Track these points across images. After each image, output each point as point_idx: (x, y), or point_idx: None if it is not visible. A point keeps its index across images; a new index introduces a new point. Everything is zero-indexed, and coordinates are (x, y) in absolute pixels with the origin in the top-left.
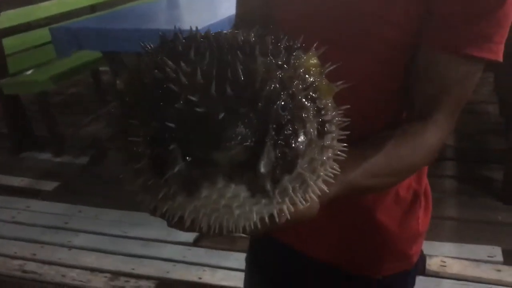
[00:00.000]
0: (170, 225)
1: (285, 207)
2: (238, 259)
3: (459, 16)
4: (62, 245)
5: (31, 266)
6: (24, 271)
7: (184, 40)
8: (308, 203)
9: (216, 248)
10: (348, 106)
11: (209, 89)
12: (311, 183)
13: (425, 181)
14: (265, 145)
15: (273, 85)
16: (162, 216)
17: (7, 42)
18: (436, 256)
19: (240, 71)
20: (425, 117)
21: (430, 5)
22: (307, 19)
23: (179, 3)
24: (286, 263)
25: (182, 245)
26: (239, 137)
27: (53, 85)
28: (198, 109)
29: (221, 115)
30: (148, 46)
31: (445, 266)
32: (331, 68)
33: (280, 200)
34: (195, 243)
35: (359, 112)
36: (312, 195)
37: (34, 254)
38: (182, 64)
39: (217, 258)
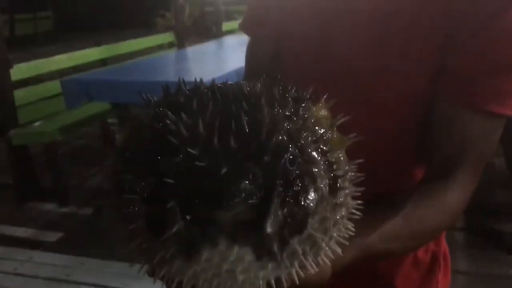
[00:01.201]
0: None
1: (293, 272)
2: None
3: (478, 70)
4: None
5: None
6: None
7: (187, 92)
8: (319, 268)
9: None
10: (362, 160)
11: (211, 141)
12: (323, 245)
13: (444, 243)
14: (272, 203)
15: (280, 137)
16: (161, 279)
17: (18, 93)
18: None
19: (244, 122)
20: (445, 176)
21: (446, 59)
22: (316, 73)
23: (187, 56)
24: None
25: None
26: (243, 194)
27: (61, 136)
28: (198, 163)
29: (224, 170)
30: (150, 98)
31: None
32: (342, 120)
33: (288, 265)
34: None
35: (372, 169)
36: (324, 258)
37: None
38: (183, 115)
39: None
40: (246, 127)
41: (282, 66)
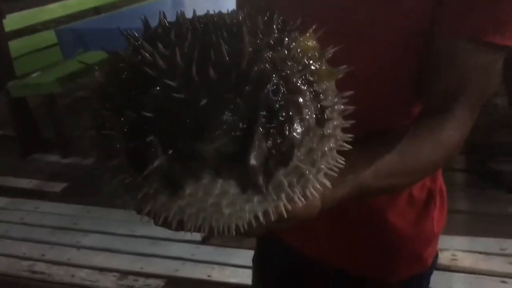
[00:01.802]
0: (157, 224)
1: (281, 204)
2: (247, 256)
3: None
4: (71, 246)
5: (40, 266)
6: (33, 272)
7: (167, 24)
8: (307, 201)
9: (224, 246)
10: (352, 92)
11: (190, 72)
12: (311, 177)
13: (440, 179)
14: (255, 134)
15: (262, 66)
16: (147, 214)
17: (13, 45)
18: (447, 250)
19: (224, 51)
20: (443, 111)
21: None
22: (309, 5)
23: (184, 1)
24: (293, 265)
25: (190, 243)
26: (225, 126)
27: (59, 87)
28: (177, 95)
29: (204, 102)
30: (129, 33)
31: (456, 260)
32: (332, 51)
33: (275, 197)
34: (204, 241)
35: (366, 105)
36: (312, 191)
37: (43, 255)
38: (160, 46)
39: (225, 256)
40: (226, 57)
41: None
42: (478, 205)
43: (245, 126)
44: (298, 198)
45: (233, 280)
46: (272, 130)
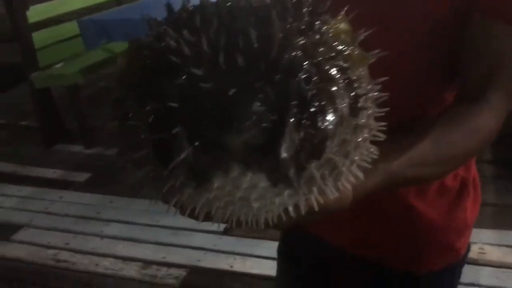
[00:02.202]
0: (184, 215)
1: (312, 198)
2: (269, 247)
3: None
4: (95, 235)
5: (64, 255)
6: (58, 260)
7: (191, 8)
8: (339, 193)
9: (247, 237)
10: (387, 78)
11: (217, 60)
12: (344, 169)
13: (474, 169)
14: (287, 125)
15: (293, 53)
16: (174, 206)
17: (37, 36)
18: (475, 243)
19: (253, 38)
20: (478, 98)
21: None
22: None
23: None
24: (319, 256)
25: (212, 233)
26: (255, 117)
27: (82, 77)
28: (203, 85)
29: (232, 91)
30: (152, 19)
31: (484, 253)
32: (365, 34)
33: (306, 191)
34: (226, 232)
35: (397, 93)
36: (345, 183)
37: (67, 244)
38: (185, 32)
39: (248, 247)
40: (255, 43)
41: None
42: (506, 197)
43: (275, 116)
44: (330, 191)
45: (255, 271)
46: (303, 121)
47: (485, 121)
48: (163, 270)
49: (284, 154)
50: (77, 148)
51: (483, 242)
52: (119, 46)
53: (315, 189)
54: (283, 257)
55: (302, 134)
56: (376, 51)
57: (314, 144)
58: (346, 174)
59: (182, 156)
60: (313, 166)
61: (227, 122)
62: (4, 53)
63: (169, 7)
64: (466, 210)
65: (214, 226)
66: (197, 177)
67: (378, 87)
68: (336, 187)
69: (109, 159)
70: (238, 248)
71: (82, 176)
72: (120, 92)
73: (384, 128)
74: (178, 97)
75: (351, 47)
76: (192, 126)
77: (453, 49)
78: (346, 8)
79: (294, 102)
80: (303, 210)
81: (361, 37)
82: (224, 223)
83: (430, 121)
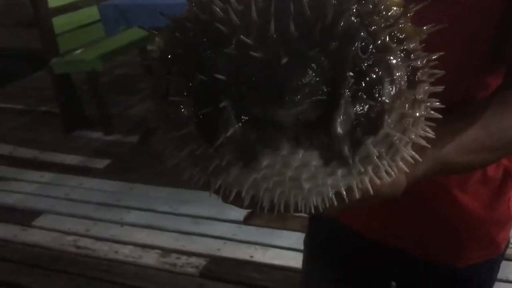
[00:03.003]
0: (227, 202)
1: (367, 179)
2: (290, 237)
3: None
4: (115, 222)
5: (84, 242)
6: (78, 247)
7: None
8: (394, 178)
9: (267, 227)
10: (442, 53)
11: (267, 28)
12: (401, 147)
13: None
14: (342, 98)
15: (349, 19)
16: (217, 191)
17: (57, 21)
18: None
19: (305, 4)
20: None
21: None
22: None
23: None
24: (348, 247)
25: (232, 223)
26: (308, 89)
27: (101, 64)
28: (254, 54)
29: (284, 60)
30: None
31: None
32: (416, 8)
33: (362, 170)
34: (246, 221)
35: (447, 73)
36: (401, 164)
37: (88, 230)
38: (232, 0)
39: (268, 237)
40: (308, 11)
41: None
42: None
43: (329, 88)
44: (386, 171)
45: (276, 261)
46: (360, 93)
47: None
48: (183, 259)
49: (338, 129)
50: (96, 134)
51: None
52: (139, 33)
53: (370, 168)
54: (310, 247)
55: (358, 107)
56: (430, 25)
57: (371, 118)
58: (403, 154)
59: (230, 132)
60: (369, 142)
61: (278, 95)
62: (25, 38)
63: None
64: (509, 201)
65: (233, 215)
66: (245, 156)
67: (434, 62)
68: (392, 167)
69: (129, 146)
70: (258, 238)
71: (102, 163)
72: (160, 70)
73: (441, 106)
74: (226, 69)
75: (404, 19)
76: (240, 100)
77: (501, 30)
78: None
79: (350, 72)
80: (357, 193)
81: (413, 11)
82: (270, 208)
83: (479, 107)
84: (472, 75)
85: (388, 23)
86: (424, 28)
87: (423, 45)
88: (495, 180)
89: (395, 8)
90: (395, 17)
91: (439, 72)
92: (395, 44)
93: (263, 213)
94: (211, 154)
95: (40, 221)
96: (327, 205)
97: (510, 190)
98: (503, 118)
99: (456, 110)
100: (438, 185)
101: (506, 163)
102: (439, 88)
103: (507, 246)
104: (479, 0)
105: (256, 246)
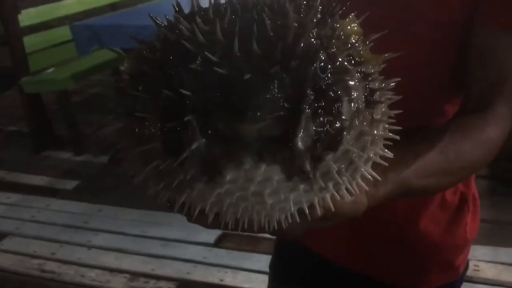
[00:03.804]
0: (191, 220)
1: (328, 196)
2: (261, 260)
3: None
4: (82, 245)
5: (50, 265)
6: (43, 271)
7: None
8: (355, 197)
9: (238, 249)
10: (399, 79)
11: (231, 46)
12: (360, 165)
13: (473, 184)
14: (302, 114)
15: (309, 40)
16: (181, 210)
17: (28, 40)
18: (469, 260)
19: (268, 25)
20: (484, 109)
21: None
22: None
23: None
24: (315, 272)
25: (203, 245)
26: (269, 105)
27: (73, 83)
28: (218, 70)
29: (247, 77)
30: (158, 20)
31: (478, 270)
32: (375, 37)
33: (323, 185)
34: (217, 244)
35: (404, 99)
36: (361, 182)
37: (53, 254)
38: (199, 20)
39: (239, 260)
40: (271, 31)
41: None
42: (501, 214)
43: (291, 105)
44: (347, 189)
45: (246, 285)
46: (319, 110)
47: (492, 132)
48: (152, 283)
49: (299, 145)
50: (66, 155)
51: (478, 259)
52: (111, 54)
53: (331, 185)
54: (275, 272)
55: (318, 123)
56: (389, 53)
57: (331, 135)
58: (362, 172)
59: (194, 146)
60: (329, 158)
61: (241, 110)
62: None
63: (178, 5)
64: (466, 226)
65: (204, 238)
66: (209, 170)
67: (392, 85)
68: (352, 185)
69: (99, 167)
70: (229, 261)
71: (71, 184)
72: (129, 87)
73: (399, 128)
74: (191, 84)
75: (363, 47)
76: (204, 115)
77: (458, 59)
78: (355, 12)
79: (311, 90)
80: (318, 210)
81: (372, 38)
82: (234, 226)
83: (438, 131)
84: (430, 102)
85: (346, 47)
86: (382, 55)
87: (381, 68)
88: (453, 205)
89: (353, 36)
90: (352, 42)
91: (396, 97)
92: (353, 66)
93: (227, 230)
94: (176, 169)
95: (5, 244)
96: (290, 221)
97: (467, 215)
98: (460, 142)
99: (416, 134)
100: (398, 209)
101: (463, 188)
102: (397, 111)
103: (466, 269)
104: (435, 31)
105: (227, 270)
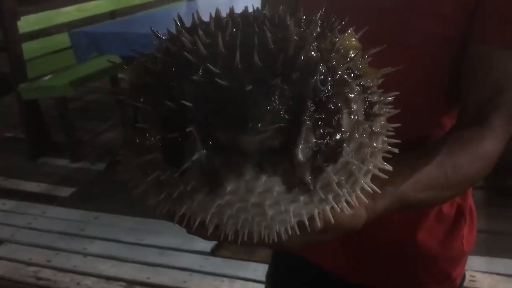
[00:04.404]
0: (190, 232)
1: (328, 209)
2: (257, 269)
3: None
4: (77, 252)
5: (45, 273)
6: (38, 278)
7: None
8: (354, 210)
9: (234, 258)
10: (397, 93)
11: (233, 58)
12: (360, 177)
13: (470, 197)
14: (303, 125)
15: (310, 53)
16: (181, 221)
17: (27, 47)
18: (466, 270)
19: (269, 38)
20: (480, 123)
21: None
22: (340, 10)
23: (198, 7)
24: (312, 283)
25: (199, 254)
26: (270, 116)
27: (71, 90)
28: (219, 81)
29: (248, 88)
30: (158, 33)
31: (475, 281)
32: (374, 51)
33: (323, 197)
34: (213, 253)
35: (401, 113)
36: (360, 195)
37: (49, 261)
38: (201, 33)
39: (235, 269)
40: (271, 44)
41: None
42: (497, 224)
43: (291, 116)
44: (346, 201)
45: None
46: (320, 122)
47: (489, 146)
48: None
49: (299, 156)
50: (63, 161)
51: (474, 270)
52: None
53: (331, 196)
54: (273, 282)
55: (318, 135)
56: (387, 68)
57: (331, 146)
58: (362, 184)
59: (195, 157)
60: (329, 170)
61: (242, 121)
62: None
63: (180, 19)
64: (463, 238)
65: (201, 246)
66: (209, 181)
67: (391, 99)
68: (352, 197)
69: (96, 174)
70: (225, 270)
71: (67, 191)
72: (129, 99)
73: (398, 141)
74: (192, 96)
75: (362, 60)
76: (205, 125)
77: (455, 73)
78: (353, 27)
79: (311, 102)
80: (318, 222)
81: (370, 53)
82: (233, 238)
83: (436, 145)
84: (427, 115)
85: (345, 60)
86: (381, 70)
87: (380, 82)
88: (449, 218)
89: (352, 50)
90: (352, 56)
91: (395, 111)
92: (353, 80)
93: (227, 242)
94: (176, 179)
95: (0, 251)
96: (290, 234)
97: (463, 227)
98: (457, 156)
99: (413, 148)
100: (395, 222)
101: (459, 201)
102: (396, 125)
103: (463, 280)
104: (432, 46)
105: (223, 278)
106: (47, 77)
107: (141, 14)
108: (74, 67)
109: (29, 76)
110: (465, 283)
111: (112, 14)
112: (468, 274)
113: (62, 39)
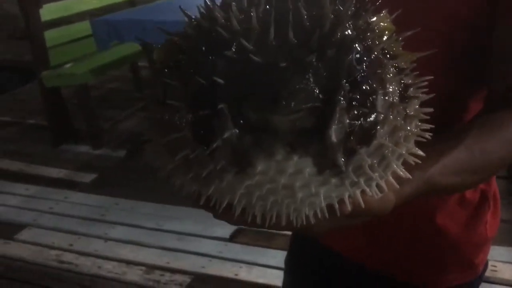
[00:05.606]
0: (217, 215)
1: (358, 192)
2: (276, 256)
3: None
4: (99, 237)
5: (67, 256)
6: (61, 262)
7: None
8: (383, 195)
9: (252, 245)
10: (432, 77)
11: (267, 34)
12: (394, 161)
13: (494, 183)
14: (337, 105)
15: (346, 30)
16: (207, 205)
17: (49, 34)
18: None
19: (304, 15)
20: (509, 106)
21: None
22: None
23: None
24: (330, 269)
25: (218, 240)
26: (304, 95)
27: (92, 78)
28: (253, 58)
29: (282, 65)
30: (190, 15)
31: (496, 271)
32: (408, 34)
33: (355, 180)
34: (232, 239)
35: (431, 99)
36: (391, 180)
37: (71, 245)
38: (234, 8)
39: (254, 255)
40: (306, 21)
41: None
42: None
43: (325, 96)
44: (377, 185)
45: (261, 280)
46: (354, 103)
47: None
48: (167, 276)
49: (332, 137)
50: (84, 148)
51: (495, 259)
52: (130, 49)
53: (362, 180)
54: (290, 268)
55: (352, 116)
56: (425, 53)
57: (365, 128)
58: (394, 168)
59: (226, 135)
60: (363, 152)
61: (275, 99)
62: (16, 51)
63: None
64: (486, 224)
65: (219, 232)
66: (239, 161)
67: (425, 82)
68: (383, 181)
69: (117, 160)
70: (243, 256)
71: (88, 177)
72: (158, 77)
73: (431, 126)
74: (224, 72)
75: (396, 43)
76: (237, 104)
77: (483, 56)
78: (387, 9)
79: (346, 82)
80: (348, 206)
81: (404, 36)
82: (260, 223)
83: (463, 129)
84: (456, 99)
85: (381, 41)
86: (415, 53)
87: (414, 66)
88: (473, 203)
89: (387, 32)
90: (386, 37)
91: (428, 96)
92: (387, 60)
93: (254, 225)
94: (206, 158)
95: (24, 234)
96: (319, 217)
97: (487, 213)
98: (486, 140)
99: (442, 132)
100: (416, 207)
101: (483, 186)
102: (428, 109)
103: (485, 268)
104: (461, 30)
105: (242, 264)
106: (68, 65)
107: (160, 2)
108: (95, 55)
109: (51, 64)
110: (487, 273)
111: (132, 2)
112: (489, 263)
113: (84, 27)
